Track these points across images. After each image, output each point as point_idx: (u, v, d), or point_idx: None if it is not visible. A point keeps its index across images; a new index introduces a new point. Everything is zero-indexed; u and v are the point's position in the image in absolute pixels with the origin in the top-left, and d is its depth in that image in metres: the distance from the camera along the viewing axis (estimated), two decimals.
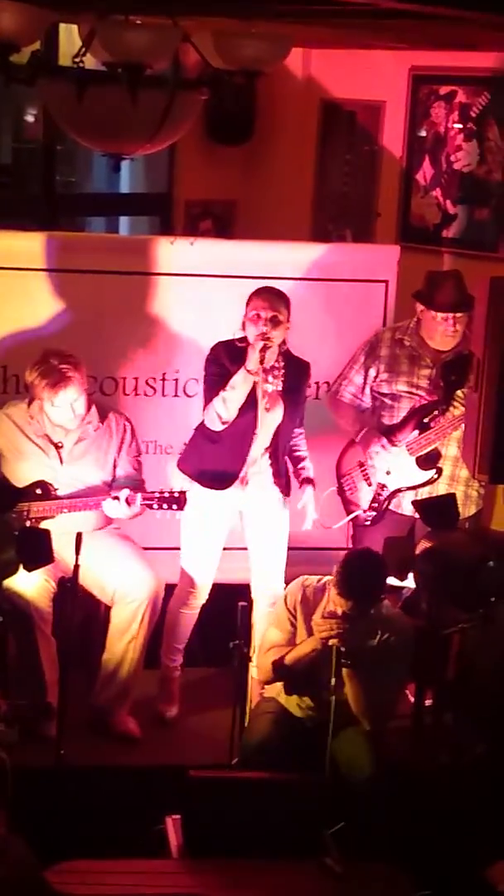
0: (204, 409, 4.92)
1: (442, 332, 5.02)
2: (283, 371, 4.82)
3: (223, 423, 4.85)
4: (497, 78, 5.88)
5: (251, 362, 4.76)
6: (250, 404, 4.82)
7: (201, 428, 4.99)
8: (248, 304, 4.87)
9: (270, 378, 4.79)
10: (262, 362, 4.74)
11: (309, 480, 5.02)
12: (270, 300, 4.84)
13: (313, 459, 5.10)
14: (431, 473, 5.07)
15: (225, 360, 4.88)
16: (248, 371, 4.76)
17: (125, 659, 4.90)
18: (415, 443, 5.06)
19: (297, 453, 5.06)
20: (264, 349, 4.74)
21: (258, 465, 4.96)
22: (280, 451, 4.97)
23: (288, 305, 4.86)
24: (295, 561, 5.14)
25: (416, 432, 5.07)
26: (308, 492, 5.00)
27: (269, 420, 4.92)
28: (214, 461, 4.93)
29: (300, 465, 5.05)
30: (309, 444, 5.11)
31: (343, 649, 4.24)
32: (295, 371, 4.95)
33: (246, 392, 4.80)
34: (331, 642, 4.25)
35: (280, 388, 4.84)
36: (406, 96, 6.24)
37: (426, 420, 5.05)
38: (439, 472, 5.08)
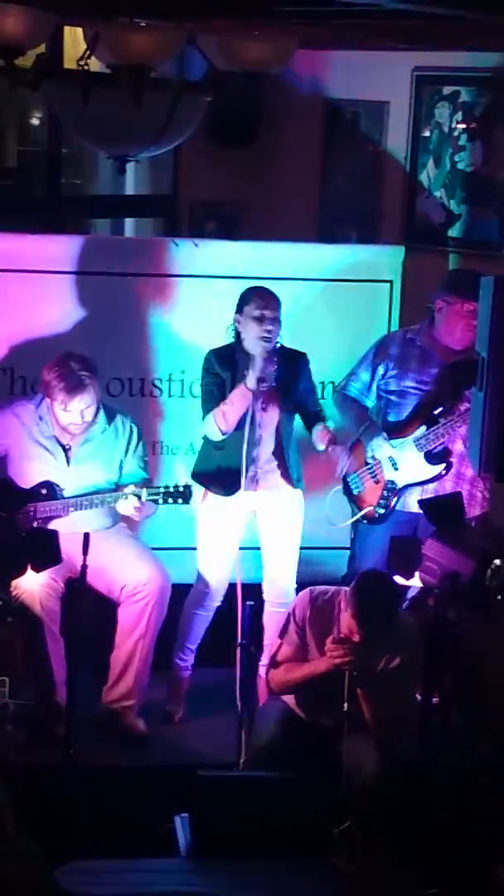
0: (203, 418, 4.95)
1: (464, 326, 5.00)
2: (275, 369, 4.84)
3: (223, 434, 4.88)
4: (501, 77, 5.89)
5: (250, 381, 4.78)
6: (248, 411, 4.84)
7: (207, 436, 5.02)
8: (245, 304, 4.88)
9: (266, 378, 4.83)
10: (263, 379, 4.75)
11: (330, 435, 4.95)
12: (270, 301, 4.87)
13: (320, 460, 5.10)
14: (440, 469, 5.07)
15: (219, 368, 4.91)
16: (247, 388, 4.79)
17: (134, 657, 4.90)
18: (423, 438, 5.06)
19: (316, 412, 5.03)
20: (269, 357, 4.76)
21: (267, 464, 4.98)
22: (285, 448, 4.98)
23: (280, 306, 4.89)
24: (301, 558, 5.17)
25: (425, 427, 5.07)
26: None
27: (268, 419, 4.94)
28: (222, 466, 4.95)
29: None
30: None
31: (356, 674, 4.22)
32: (289, 364, 4.97)
33: (244, 407, 4.83)
34: (344, 668, 4.22)
35: (275, 384, 4.87)
36: (410, 96, 6.24)
37: (435, 413, 5.05)
38: (448, 467, 5.08)
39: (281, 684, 4.45)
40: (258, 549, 5.13)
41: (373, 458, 5.13)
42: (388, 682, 4.32)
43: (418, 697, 4.82)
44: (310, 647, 4.42)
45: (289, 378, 4.96)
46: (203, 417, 4.96)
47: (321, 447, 4.94)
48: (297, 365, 5.02)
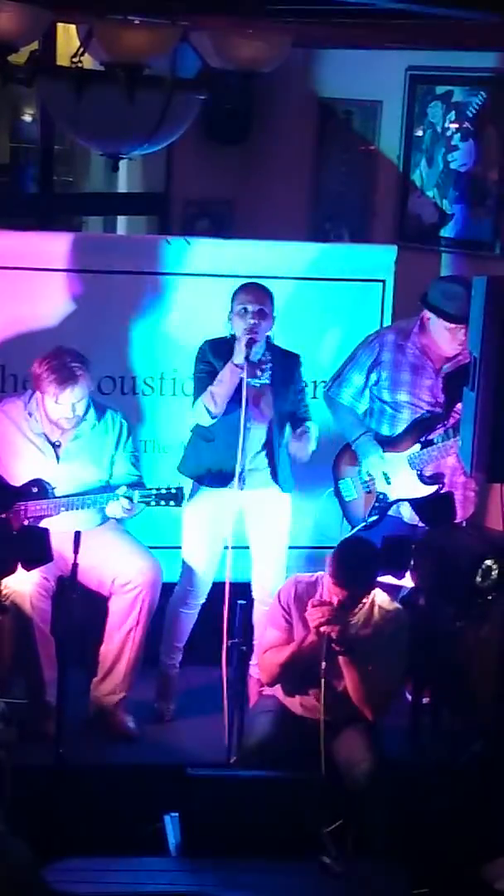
0: (193, 405, 4.95)
1: (449, 339, 5.02)
2: (269, 364, 4.85)
3: (212, 417, 4.88)
4: (494, 77, 5.89)
5: (237, 356, 4.80)
6: (239, 399, 4.83)
7: (197, 428, 5.01)
8: (233, 299, 4.91)
9: (258, 372, 4.84)
10: (248, 356, 4.77)
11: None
12: (256, 294, 4.89)
13: (310, 461, 5.10)
14: (433, 489, 5.04)
15: (212, 356, 4.92)
16: (235, 365, 4.79)
17: (124, 650, 4.89)
18: (418, 458, 5.05)
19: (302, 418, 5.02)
20: (250, 343, 4.78)
21: (255, 461, 4.97)
22: (276, 446, 4.98)
23: (272, 300, 4.91)
24: (292, 558, 5.17)
25: (419, 446, 5.06)
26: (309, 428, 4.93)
27: (259, 416, 4.93)
28: (212, 459, 4.95)
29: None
30: None
31: (334, 636, 4.25)
32: (283, 364, 4.98)
33: (233, 386, 4.82)
34: (322, 629, 4.26)
35: (269, 382, 4.87)
36: (403, 96, 6.24)
37: (429, 436, 5.04)
38: (441, 487, 5.06)
39: (270, 667, 4.47)
40: (247, 548, 5.12)
41: (367, 473, 5.12)
42: (371, 649, 4.35)
43: (409, 697, 4.84)
44: (295, 630, 4.45)
45: (282, 377, 4.96)
46: (193, 405, 4.95)
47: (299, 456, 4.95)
48: (290, 365, 5.02)
